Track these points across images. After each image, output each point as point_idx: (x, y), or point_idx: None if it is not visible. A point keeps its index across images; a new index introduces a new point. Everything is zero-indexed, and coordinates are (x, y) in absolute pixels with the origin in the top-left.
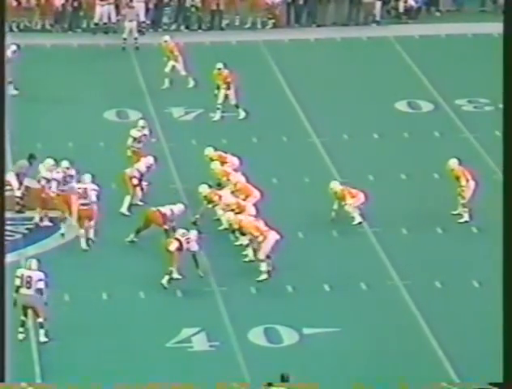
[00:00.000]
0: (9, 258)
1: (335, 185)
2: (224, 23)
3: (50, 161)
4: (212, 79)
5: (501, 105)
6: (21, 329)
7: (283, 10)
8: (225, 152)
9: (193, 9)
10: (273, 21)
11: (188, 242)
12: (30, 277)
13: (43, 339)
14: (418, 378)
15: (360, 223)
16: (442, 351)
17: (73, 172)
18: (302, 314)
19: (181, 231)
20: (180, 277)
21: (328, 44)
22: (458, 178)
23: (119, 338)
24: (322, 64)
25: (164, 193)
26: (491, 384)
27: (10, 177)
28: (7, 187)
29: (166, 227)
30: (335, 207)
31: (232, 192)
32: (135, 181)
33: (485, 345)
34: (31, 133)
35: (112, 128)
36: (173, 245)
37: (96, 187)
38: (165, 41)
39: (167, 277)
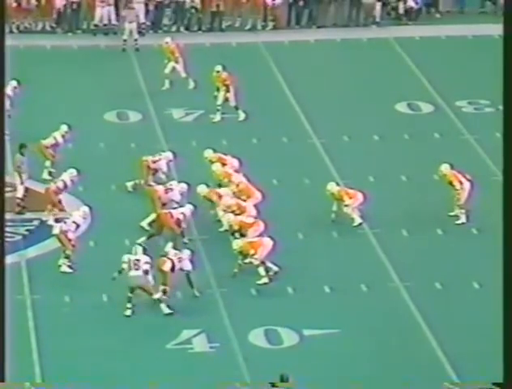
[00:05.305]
0: (9, 259)
1: (332, 187)
2: (225, 24)
3: (73, 171)
4: (211, 81)
5: (501, 107)
6: (129, 305)
7: (284, 12)
8: (225, 154)
9: (192, 10)
10: (273, 23)
11: (180, 261)
12: (138, 260)
13: (166, 310)
14: (418, 379)
15: (360, 224)
16: (443, 352)
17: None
18: (302, 315)
19: (172, 251)
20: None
21: (328, 45)
22: (451, 183)
23: (119, 339)
24: (323, 65)
25: None
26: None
27: (13, 177)
28: (7, 188)
29: (177, 231)
30: (335, 208)
31: (234, 193)
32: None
33: (485, 346)
34: (31, 134)
35: (112, 129)
36: (167, 265)
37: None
38: (166, 43)
39: (160, 294)
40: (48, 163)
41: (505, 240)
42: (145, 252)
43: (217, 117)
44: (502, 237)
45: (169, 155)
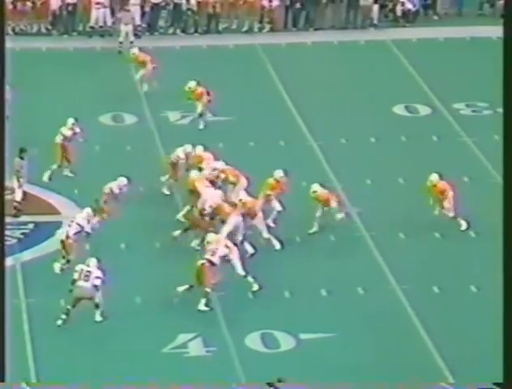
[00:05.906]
0: (6, 262)
1: (318, 188)
2: (221, 26)
3: (124, 179)
4: (186, 96)
5: (499, 109)
6: (63, 316)
7: (281, 14)
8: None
9: (189, 12)
10: (270, 25)
11: (213, 254)
12: (89, 272)
13: (98, 318)
14: (416, 382)
15: (342, 218)
16: (440, 355)
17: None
18: (299, 319)
19: (208, 250)
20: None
21: (326, 47)
22: (443, 192)
23: (116, 343)
24: (320, 67)
25: (161, 196)
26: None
27: (11, 180)
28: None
29: (209, 229)
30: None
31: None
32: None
33: (483, 350)
34: (27, 137)
35: (107, 132)
36: (207, 268)
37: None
38: (133, 54)
39: (187, 286)
40: (54, 166)
41: (504, 243)
42: (99, 266)
43: (201, 126)
44: (502, 240)
45: (188, 147)
